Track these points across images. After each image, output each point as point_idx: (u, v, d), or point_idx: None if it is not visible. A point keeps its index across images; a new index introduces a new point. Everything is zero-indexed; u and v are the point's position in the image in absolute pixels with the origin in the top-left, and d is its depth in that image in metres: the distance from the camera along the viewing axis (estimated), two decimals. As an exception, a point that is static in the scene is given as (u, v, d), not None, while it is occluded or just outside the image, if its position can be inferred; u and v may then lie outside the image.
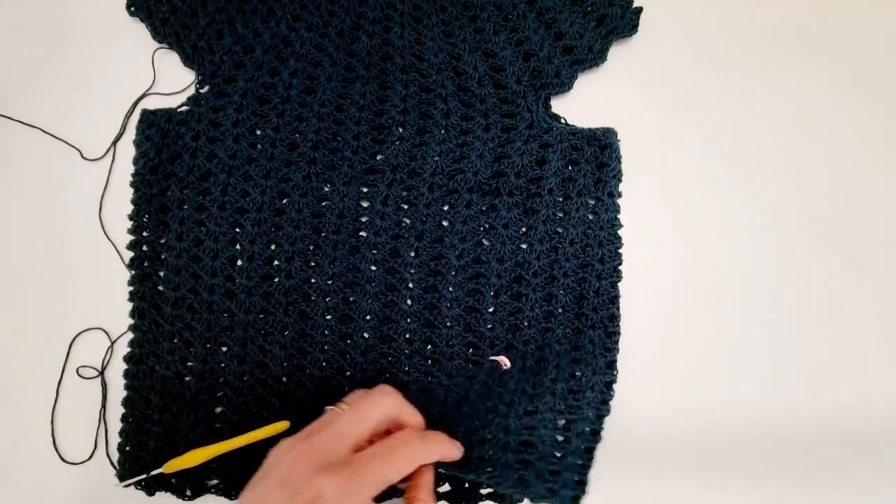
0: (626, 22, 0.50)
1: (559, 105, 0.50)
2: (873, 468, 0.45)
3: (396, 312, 0.46)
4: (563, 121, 0.49)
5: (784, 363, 0.47)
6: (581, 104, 0.50)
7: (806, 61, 0.51)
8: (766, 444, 0.45)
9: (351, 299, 0.46)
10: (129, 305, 0.45)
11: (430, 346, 0.45)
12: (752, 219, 0.49)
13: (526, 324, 0.45)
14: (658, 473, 0.45)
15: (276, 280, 0.46)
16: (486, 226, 0.46)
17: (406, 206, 0.47)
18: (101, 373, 0.45)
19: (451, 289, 0.46)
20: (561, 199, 0.47)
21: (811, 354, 0.47)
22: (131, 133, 0.48)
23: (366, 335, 0.45)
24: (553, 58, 0.49)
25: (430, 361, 0.45)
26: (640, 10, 0.50)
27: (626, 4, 0.50)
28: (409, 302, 0.46)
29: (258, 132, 0.48)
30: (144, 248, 0.46)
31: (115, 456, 0.44)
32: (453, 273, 0.46)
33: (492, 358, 0.44)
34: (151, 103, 0.50)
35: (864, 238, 0.49)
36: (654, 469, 0.45)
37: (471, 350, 0.45)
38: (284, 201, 0.47)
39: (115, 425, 0.45)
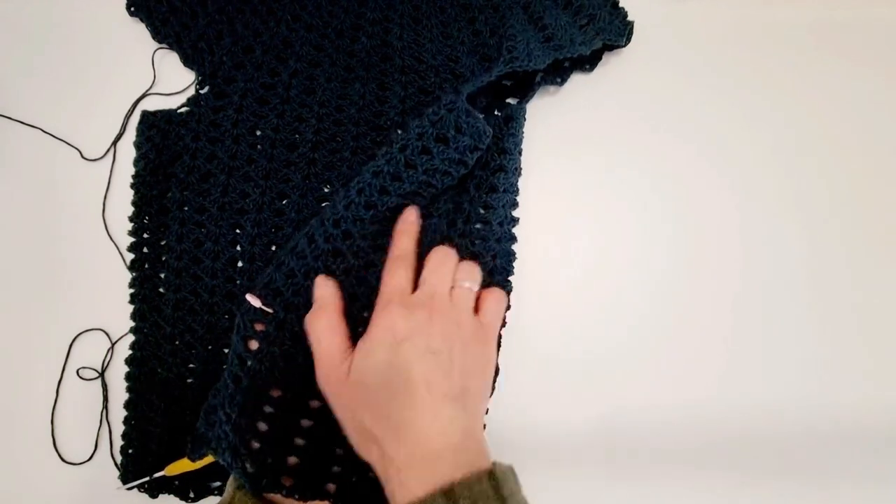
0: (614, 27, 0.50)
1: (553, 108, 0.50)
2: (869, 467, 0.46)
3: None
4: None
5: (780, 363, 0.47)
6: (573, 109, 0.51)
7: (800, 69, 0.52)
8: (762, 444, 0.46)
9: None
10: (130, 306, 0.46)
11: None
12: (745, 221, 0.49)
13: None
14: (653, 473, 0.45)
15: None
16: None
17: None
18: (102, 374, 0.46)
19: None
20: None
21: (808, 354, 0.47)
22: (131, 133, 0.48)
23: None
24: (533, 51, 0.48)
25: None
26: (630, 23, 0.50)
27: (616, 14, 0.50)
28: None
29: (258, 133, 0.48)
30: (145, 249, 0.46)
31: (118, 458, 0.44)
32: None
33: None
34: (151, 103, 0.50)
35: (861, 239, 0.49)
36: (649, 469, 0.45)
37: None
38: (284, 202, 0.47)
39: (116, 426, 0.45)
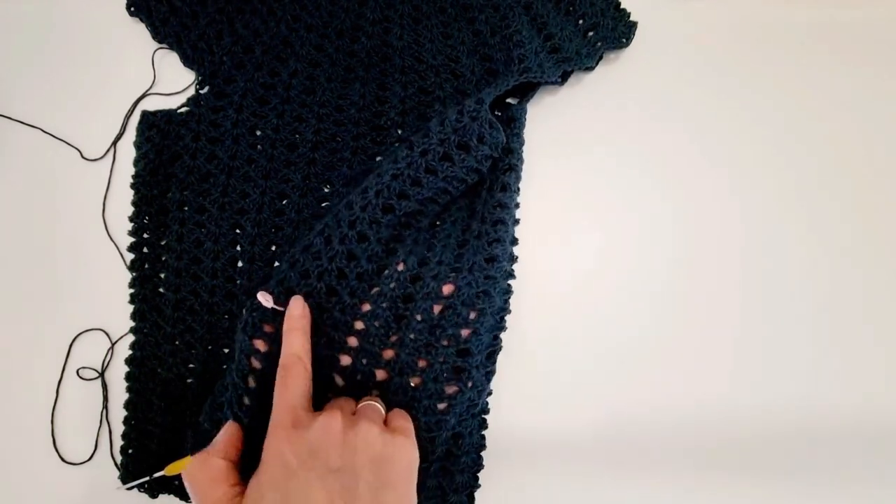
0: (616, 34, 0.50)
1: (553, 108, 0.50)
2: (873, 468, 0.46)
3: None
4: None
5: (783, 364, 0.47)
6: (573, 109, 0.51)
7: (800, 68, 0.52)
8: (765, 446, 0.46)
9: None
10: (130, 306, 0.46)
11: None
12: (747, 221, 0.49)
13: None
14: (656, 474, 0.45)
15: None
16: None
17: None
18: (102, 374, 0.45)
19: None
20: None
21: (811, 355, 0.47)
22: (131, 133, 0.48)
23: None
24: (544, 63, 0.49)
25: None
26: (634, 24, 0.50)
27: (619, 17, 0.51)
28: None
29: (258, 133, 0.48)
30: (145, 249, 0.46)
31: (118, 458, 0.44)
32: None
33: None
34: (151, 103, 0.50)
35: (863, 238, 0.49)
36: (653, 470, 0.45)
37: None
38: (284, 202, 0.47)
39: (116, 426, 0.45)
